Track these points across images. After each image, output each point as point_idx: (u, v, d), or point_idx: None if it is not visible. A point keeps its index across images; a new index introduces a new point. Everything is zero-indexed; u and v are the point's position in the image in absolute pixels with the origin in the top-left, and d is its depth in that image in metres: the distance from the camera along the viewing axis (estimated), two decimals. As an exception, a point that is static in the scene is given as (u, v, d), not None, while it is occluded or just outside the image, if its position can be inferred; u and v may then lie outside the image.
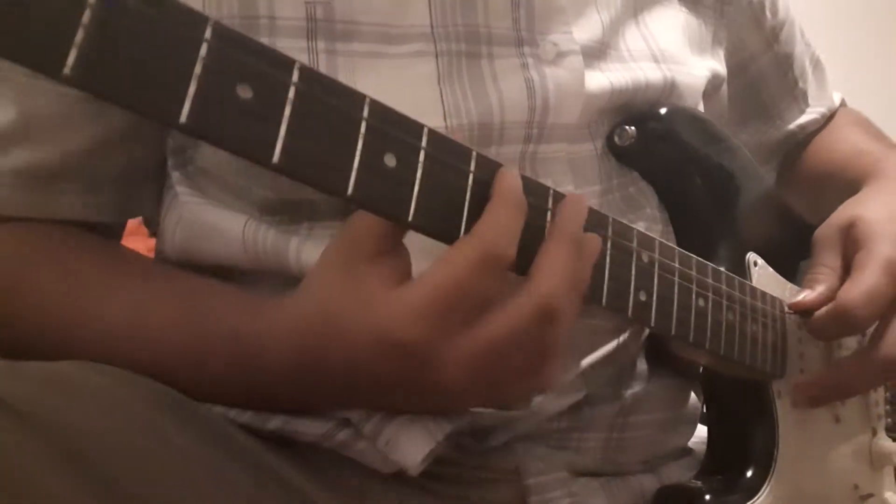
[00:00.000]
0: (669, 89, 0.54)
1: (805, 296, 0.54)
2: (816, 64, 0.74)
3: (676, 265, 0.48)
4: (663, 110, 0.54)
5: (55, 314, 0.45)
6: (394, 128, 0.35)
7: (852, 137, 0.71)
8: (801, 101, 0.73)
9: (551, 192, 0.41)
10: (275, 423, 0.45)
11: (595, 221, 0.43)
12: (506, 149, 0.47)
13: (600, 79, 0.50)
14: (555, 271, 0.37)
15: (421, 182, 0.36)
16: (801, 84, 0.72)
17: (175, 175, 0.49)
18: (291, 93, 0.32)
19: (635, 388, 0.53)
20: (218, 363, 0.41)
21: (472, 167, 0.38)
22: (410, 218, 0.35)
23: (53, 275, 0.46)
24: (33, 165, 0.46)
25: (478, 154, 0.38)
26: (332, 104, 0.33)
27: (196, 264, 0.48)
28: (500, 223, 0.36)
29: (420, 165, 0.36)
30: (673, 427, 0.57)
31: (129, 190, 0.50)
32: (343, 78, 0.42)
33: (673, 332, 0.47)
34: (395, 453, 0.42)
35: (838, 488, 0.59)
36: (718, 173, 0.56)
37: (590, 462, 0.52)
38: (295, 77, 0.32)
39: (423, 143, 0.36)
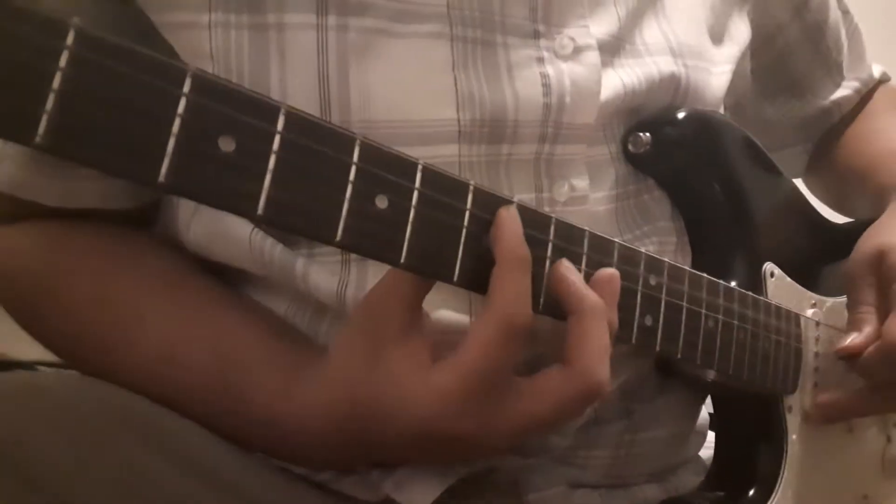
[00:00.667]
0: (685, 88, 0.51)
1: (853, 339, 0.52)
2: (854, 33, 0.69)
3: (685, 288, 0.46)
4: (680, 115, 0.51)
5: (89, 338, 0.44)
6: (386, 168, 0.34)
7: (889, 132, 0.67)
8: (835, 73, 0.68)
9: (553, 221, 0.40)
10: (259, 454, 0.45)
11: (600, 248, 0.42)
12: (519, 148, 0.45)
13: (613, 78, 0.48)
14: (599, 354, 0.38)
15: (413, 223, 0.34)
16: (834, 55, 0.67)
17: None
18: (276, 143, 0.31)
19: (644, 405, 0.52)
20: (255, 440, 0.41)
21: (469, 205, 0.37)
22: (402, 260, 0.34)
23: (89, 290, 0.45)
24: None
25: (475, 188, 0.37)
26: (320, 150, 0.32)
27: (212, 262, 0.47)
28: (514, 290, 0.36)
29: (413, 207, 0.35)
30: (683, 440, 0.56)
31: None
32: (354, 58, 0.41)
33: (679, 355, 0.46)
34: (402, 496, 0.42)
35: (847, 499, 0.58)
36: (737, 180, 0.54)
37: (592, 477, 0.52)
38: (280, 125, 0.31)
39: (417, 183, 0.35)
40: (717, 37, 0.56)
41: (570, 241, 0.41)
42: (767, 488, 0.52)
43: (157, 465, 0.36)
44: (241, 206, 0.30)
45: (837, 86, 0.69)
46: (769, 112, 0.68)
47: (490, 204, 0.37)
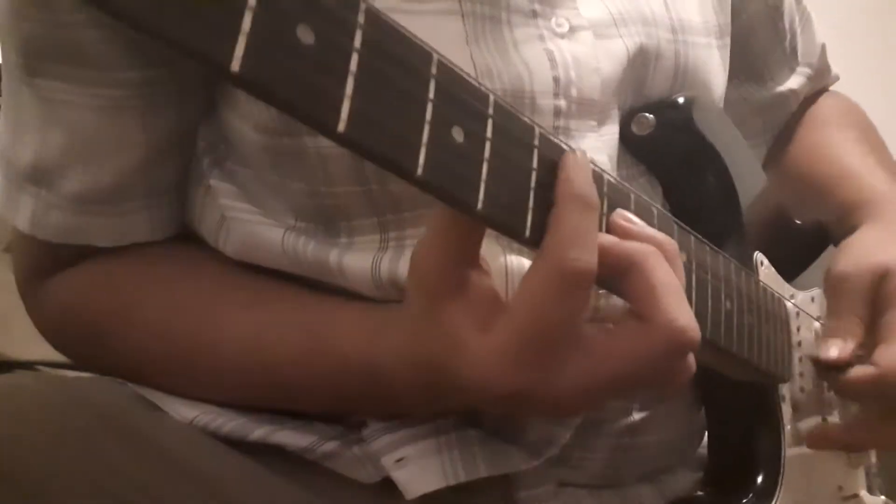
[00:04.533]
0: (683, 64, 0.50)
1: (839, 351, 0.51)
2: (806, 19, 0.70)
3: (709, 263, 0.44)
4: (681, 99, 0.51)
5: (167, 357, 0.45)
6: (462, 92, 0.29)
7: (839, 147, 0.67)
8: (790, 57, 0.69)
9: (605, 178, 0.36)
10: (258, 433, 0.44)
11: (644, 211, 0.38)
12: (540, 120, 0.43)
13: (617, 46, 0.47)
14: (677, 298, 0.34)
15: (490, 161, 0.29)
16: (790, 37, 0.68)
17: (214, 173, 0.47)
18: (357, 39, 0.25)
19: (646, 410, 0.49)
20: (352, 392, 0.42)
21: (537, 142, 0.32)
22: (479, 206, 0.29)
23: (158, 309, 0.46)
24: (91, 188, 0.46)
25: (541, 131, 0.32)
26: (398, 58, 0.26)
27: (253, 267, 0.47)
28: (570, 229, 0.32)
29: (488, 141, 0.29)
30: (681, 443, 0.54)
31: (182, 199, 0.49)
32: None
33: (708, 336, 0.43)
34: (399, 472, 0.41)
35: (826, 491, 0.58)
36: (729, 168, 0.53)
37: (583, 477, 0.49)
38: (361, 19, 0.25)
39: (491, 112, 0.30)
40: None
41: (620, 199, 0.37)
42: (773, 477, 0.50)
43: (136, 464, 0.35)
44: (322, 116, 0.24)
45: (793, 71, 0.69)
46: (729, 92, 0.68)
47: (553, 147, 0.33)
